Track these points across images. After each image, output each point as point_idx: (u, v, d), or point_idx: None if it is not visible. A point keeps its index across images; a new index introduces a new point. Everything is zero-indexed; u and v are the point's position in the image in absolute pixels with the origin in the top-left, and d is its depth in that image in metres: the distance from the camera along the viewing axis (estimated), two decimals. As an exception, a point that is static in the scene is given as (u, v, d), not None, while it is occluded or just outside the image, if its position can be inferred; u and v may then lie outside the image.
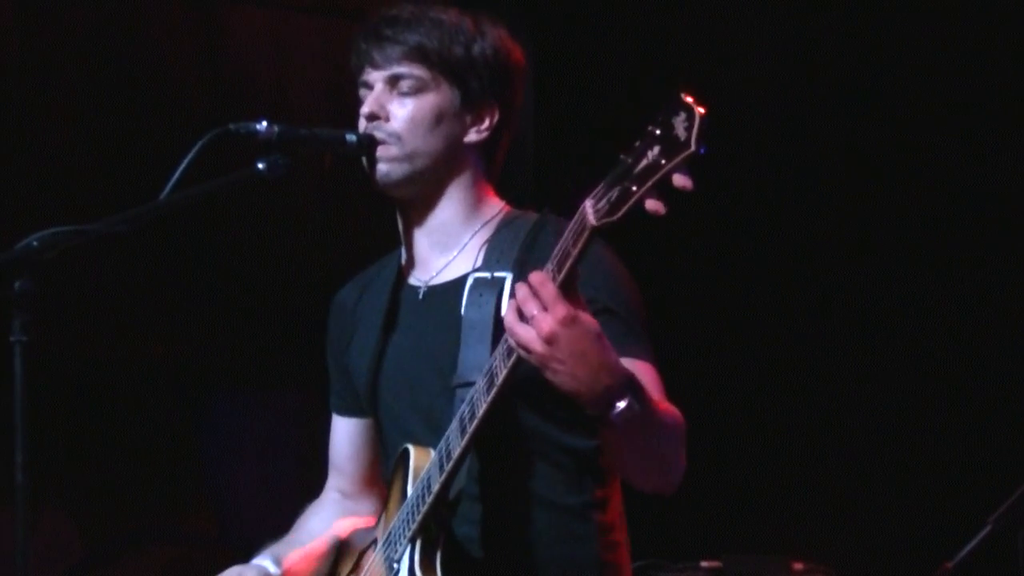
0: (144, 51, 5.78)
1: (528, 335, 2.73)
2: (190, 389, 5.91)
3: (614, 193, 2.65)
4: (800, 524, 5.52)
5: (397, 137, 3.15)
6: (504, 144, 3.25)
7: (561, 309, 2.71)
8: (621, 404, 2.77)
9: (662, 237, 5.99)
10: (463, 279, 3.14)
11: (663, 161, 2.59)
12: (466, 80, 3.16)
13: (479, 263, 3.14)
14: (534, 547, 3.07)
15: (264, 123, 3.09)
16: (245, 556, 3.29)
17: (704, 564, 4.87)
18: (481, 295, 3.08)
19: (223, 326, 5.90)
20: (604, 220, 2.66)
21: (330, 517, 3.39)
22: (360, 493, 3.42)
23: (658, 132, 2.62)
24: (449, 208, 3.19)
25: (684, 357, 5.95)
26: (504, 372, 2.82)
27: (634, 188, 2.62)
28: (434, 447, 3.02)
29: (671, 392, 3.04)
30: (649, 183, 2.60)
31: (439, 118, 3.16)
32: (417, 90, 3.16)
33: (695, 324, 5.97)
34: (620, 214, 2.64)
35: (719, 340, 5.96)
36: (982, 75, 5.63)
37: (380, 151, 3.15)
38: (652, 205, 2.62)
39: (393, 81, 3.17)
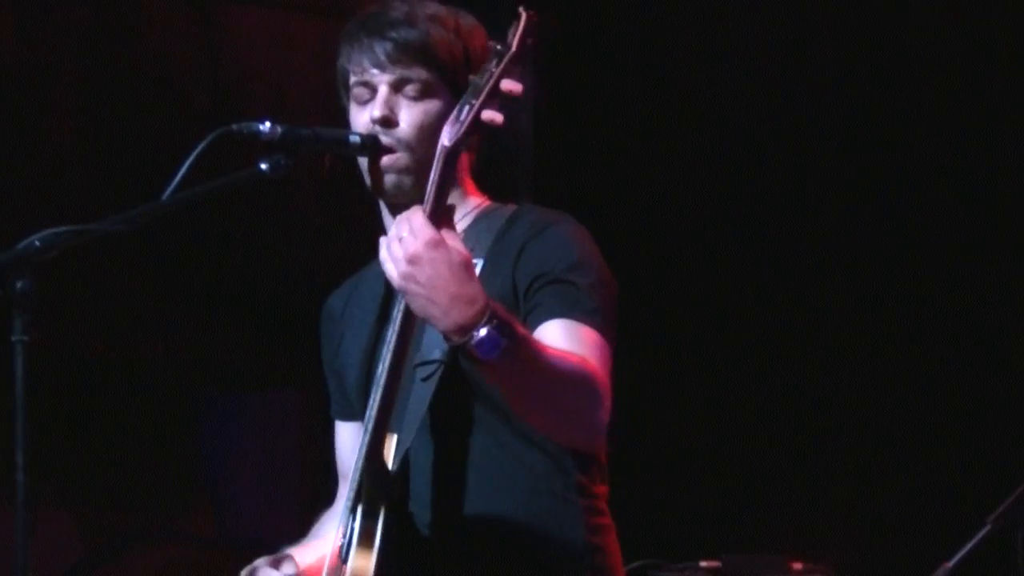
0: (144, 51, 5.78)
1: (395, 260, 2.77)
2: (190, 389, 5.91)
3: (463, 111, 2.79)
4: (799, 524, 5.53)
5: (406, 145, 3.12)
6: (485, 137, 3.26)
7: (427, 232, 2.75)
8: (480, 333, 2.74)
9: (663, 238, 6.00)
10: None
11: (494, 69, 2.73)
12: (457, 80, 3.14)
13: None
14: (520, 532, 3.05)
15: (267, 123, 3.08)
16: (245, 556, 3.28)
17: (703, 564, 4.87)
18: None
19: (223, 326, 5.90)
20: (455, 139, 2.80)
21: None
22: None
23: (497, 46, 2.76)
24: None
25: (683, 357, 5.97)
26: (400, 312, 2.89)
27: (474, 101, 2.76)
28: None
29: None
30: (484, 93, 2.73)
31: (441, 122, 3.15)
32: (423, 94, 3.14)
33: (694, 324, 5.98)
34: (463, 128, 2.77)
35: (718, 339, 5.97)
36: (982, 75, 5.64)
37: (387, 161, 3.12)
38: (487, 115, 2.75)
39: (399, 84, 3.15)
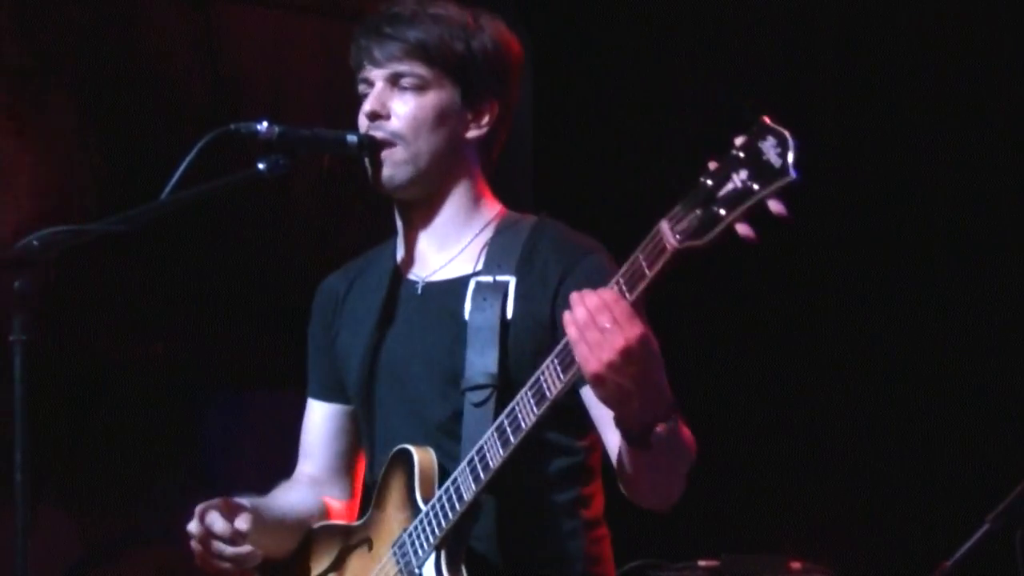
0: (143, 51, 5.78)
1: (597, 347, 2.65)
2: (190, 389, 5.91)
3: (696, 216, 2.58)
4: (798, 523, 5.53)
5: (400, 137, 3.15)
6: (501, 139, 3.25)
7: (638, 326, 2.65)
8: (661, 429, 2.75)
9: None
10: (463, 280, 3.14)
11: (756, 187, 2.53)
12: (466, 77, 3.16)
13: (480, 266, 3.14)
14: (526, 543, 3.09)
15: (265, 123, 3.09)
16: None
17: (702, 563, 4.87)
18: (485, 299, 3.07)
19: (223, 326, 5.90)
20: (688, 243, 2.60)
21: (303, 494, 3.37)
22: (329, 481, 3.40)
23: (742, 155, 2.56)
24: (450, 207, 3.19)
25: (683, 356, 5.96)
26: (560, 386, 2.78)
27: (723, 212, 2.55)
28: (421, 445, 3.03)
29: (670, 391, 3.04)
30: (742, 208, 2.53)
31: (440, 116, 3.16)
32: (418, 88, 3.15)
33: (693, 323, 5.97)
34: (709, 237, 2.58)
35: (717, 339, 5.97)
36: (982, 75, 5.64)
37: (384, 154, 3.15)
38: (744, 230, 2.55)
39: (394, 79, 3.16)
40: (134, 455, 5.76)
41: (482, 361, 2.99)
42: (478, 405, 3.01)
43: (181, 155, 3.04)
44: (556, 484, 3.11)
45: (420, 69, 3.15)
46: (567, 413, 2.99)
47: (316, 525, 3.32)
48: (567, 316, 2.69)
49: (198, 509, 3.13)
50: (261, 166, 3.09)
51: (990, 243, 5.59)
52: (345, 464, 3.38)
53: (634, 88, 5.98)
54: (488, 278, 3.10)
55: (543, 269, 3.06)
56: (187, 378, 5.88)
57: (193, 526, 3.13)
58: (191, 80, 5.86)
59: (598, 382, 2.68)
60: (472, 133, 3.19)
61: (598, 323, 2.65)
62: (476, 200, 3.21)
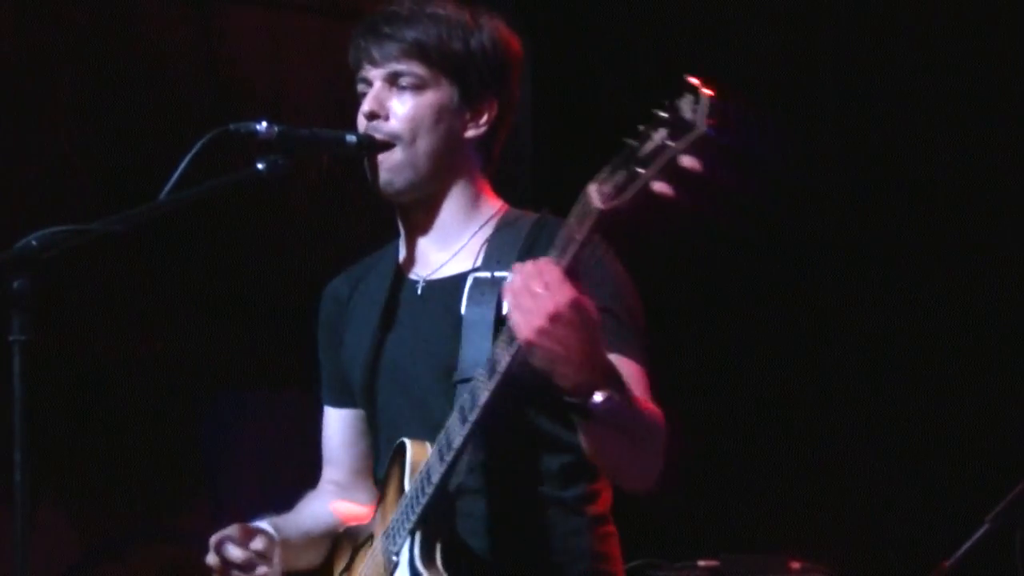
0: (143, 51, 5.78)
1: (528, 312, 2.69)
2: (190, 388, 5.91)
3: (620, 176, 2.62)
4: (797, 523, 5.53)
5: (398, 137, 3.14)
6: (501, 137, 3.25)
7: (568, 290, 2.68)
8: (600, 396, 2.74)
9: (664, 236, 5.99)
10: (462, 277, 3.14)
11: (671, 142, 2.56)
12: (465, 76, 3.15)
13: (479, 263, 3.14)
14: (531, 540, 3.09)
15: (264, 123, 3.08)
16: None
17: (702, 563, 4.88)
18: (482, 294, 3.07)
19: (223, 326, 5.90)
20: (612, 203, 2.63)
21: (327, 503, 3.39)
22: (355, 484, 3.41)
23: (664, 115, 2.59)
24: (449, 206, 3.19)
25: (682, 356, 5.97)
26: (506, 359, 2.80)
27: (641, 170, 2.59)
28: (430, 441, 3.03)
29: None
30: (657, 164, 2.57)
31: (439, 116, 3.15)
32: (417, 88, 3.15)
33: (694, 323, 5.98)
34: (628, 196, 2.61)
35: (717, 339, 5.97)
36: (983, 75, 5.64)
37: (382, 158, 3.14)
38: (660, 187, 2.58)
39: (392, 79, 3.15)
40: (134, 455, 5.76)
41: (475, 355, 2.98)
42: None
43: (180, 155, 3.04)
44: (560, 480, 3.10)
45: (418, 69, 3.14)
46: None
47: (340, 530, 3.34)
48: (505, 284, 2.74)
49: (213, 540, 3.14)
50: (260, 166, 3.09)
51: (990, 243, 5.59)
52: (368, 466, 3.38)
53: (634, 87, 5.98)
54: (486, 274, 3.10)
55: None
56: (187, 378, 5.88)
57: (210, 558, 3.14)
58: (191, 80, 5.86)
59: (530, 347, 2.71)
60: (471, 132, 3.19)
61: (530, 289, 2.69)
62: (476, 198, 3.20)
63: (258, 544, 3.12)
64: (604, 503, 3.17)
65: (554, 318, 2.67)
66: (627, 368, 2.94)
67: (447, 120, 3.16)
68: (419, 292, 3.20)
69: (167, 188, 3.01)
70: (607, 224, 2.66)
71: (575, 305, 2.68)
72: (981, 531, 3.84)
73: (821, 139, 5.94)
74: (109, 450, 5.72)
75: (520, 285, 2.70)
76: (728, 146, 2.56)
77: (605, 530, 3.17)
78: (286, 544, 3.20)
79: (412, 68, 3.14)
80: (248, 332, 5.93)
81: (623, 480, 3.02)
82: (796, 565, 4.79)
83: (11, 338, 2.87)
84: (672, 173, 2.57)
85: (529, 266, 2.71)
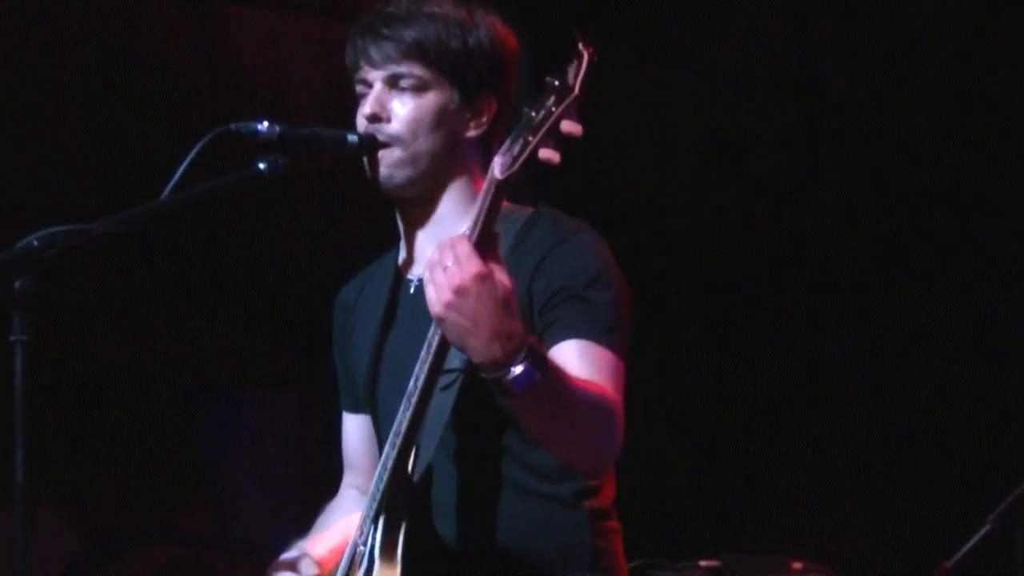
0: (144, 51, 5.78)
1: (439, 287, 2.72)
2: (190, 389, 5.91)
3: (516, 146, 2.69)
4: (799, 523, 5.53)
5: (399, 139, 3.14)
6: (500, 134, 3.24)
7: (474, 263, 2.70)
8: (517, 370, 2.73)
9: (662, 237, 6.00)
10: None
11: (554, 108, 2.63)
12: (464, 76, 3.15)
13: None
14: (524, 536, 3.07)
15: (265, 123, 3.08)
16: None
17: (703, 563, 4.87)
18: None
19: (223, 326, 5.90)
20: (507, 173, 2.70)
21: (350, 512, 3.39)
22: None
23: (556, 82, 2.66)
24: (447, 203, 3.19)
25: (682, 356, 5.97)
26: (437, 336, 2.83)
27: (530, 138, 2.65)
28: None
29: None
30: (541, 131, 2.64)
31: (440, 117, 3.15)
32: (417, 89, 3.14)
33: (694, 323, 5.98)
34: (518, 165, 2.68)
35: (718, 339, 5.97)
36: (982, 76, 5.64)
37: (382, 154, 3.14)
38: (545, 154, 2.66)
39: (392, 80, 3.15)
40: (133, 455, 5.76)
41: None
42: (444, 389, 3.00)
43: (181, 155, 3.04)
44: (557, 476, 3.09)
45: (418, 70, 3.14)
46: None
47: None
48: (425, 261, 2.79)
49: None
50: (261, 166, 3.09)
51: (991, 243, 5.59)
52: None
53: (634, 86, 5.98)
54: None
55: (528, 254, 3.06)
56: (187, 378, 5.88)
57: None
58: (191, 79, 5.86)
59: (439, 320, 2.75)
60: (471, 132, 3.19)
61: (442, 263, 2.73)
62: (474, 195, 3.20)
63: (308, 571, 3.13)
64: (605, 498, 3.15)
65: (460, 291, 2.70)
66: (595, 354, 2.95)
67: (448, 121, 3.16)
68: (412, 291, 3.21)
69: (168, 188, 3.01)
70: (507, 193, 2.75)
71: (481, 277, 2.70)
72: (982, 531, 3.84)
73: (821, 139, 5.93)
74: (109, 450, 5.72)
75: (435, 260, 2.75)
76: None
77: (606, 525, 3.15)
78: (321, 563, 3.19)
79: (412, 69, 3.14)
80: (248, 332, 5.93)
81: (569, 460, 3.00)
82: (797, 565, 4.78)
83: (12, 338, 2.87)
84: (557, 139, 2.64)
85: (444, 241, 2.76)
